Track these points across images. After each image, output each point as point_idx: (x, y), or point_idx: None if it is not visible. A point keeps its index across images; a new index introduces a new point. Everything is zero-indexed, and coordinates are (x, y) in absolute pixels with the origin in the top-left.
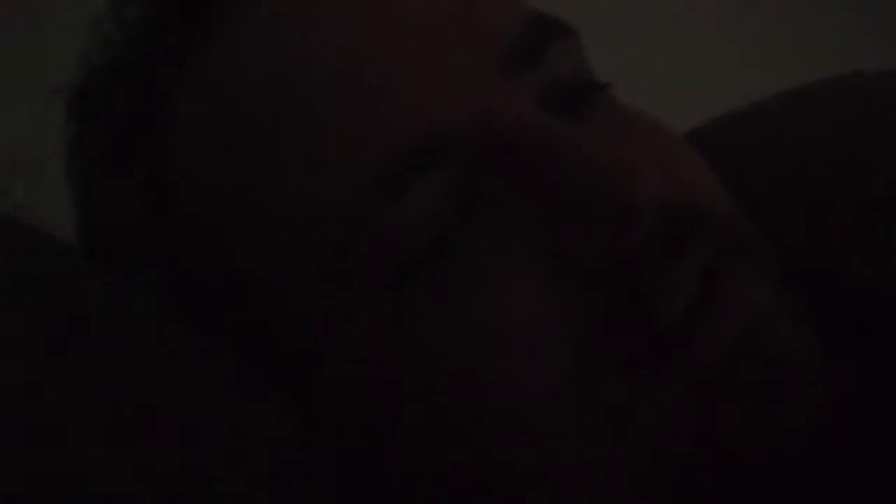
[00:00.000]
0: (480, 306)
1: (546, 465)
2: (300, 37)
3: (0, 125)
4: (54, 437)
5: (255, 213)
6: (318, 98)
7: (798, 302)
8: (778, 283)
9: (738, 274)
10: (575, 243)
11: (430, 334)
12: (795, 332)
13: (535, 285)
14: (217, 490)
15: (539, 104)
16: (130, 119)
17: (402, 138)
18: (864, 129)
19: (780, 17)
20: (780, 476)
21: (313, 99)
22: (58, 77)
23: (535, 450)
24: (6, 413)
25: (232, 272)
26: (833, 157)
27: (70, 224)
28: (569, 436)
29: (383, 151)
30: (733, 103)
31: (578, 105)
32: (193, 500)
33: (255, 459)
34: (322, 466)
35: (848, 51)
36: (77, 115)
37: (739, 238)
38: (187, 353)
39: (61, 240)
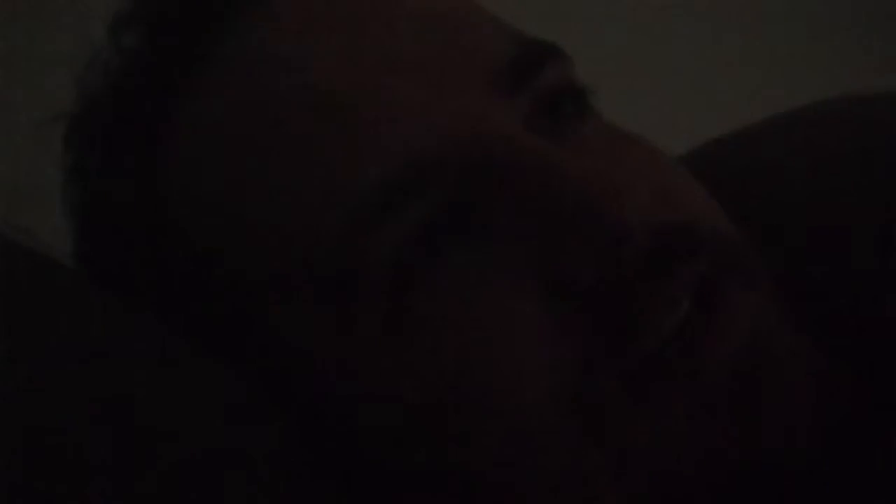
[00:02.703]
0: (475, 327)
1: (542, 481)
2: (294, 65)
3: (0, 150)
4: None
5: (253, 234)
6: (313, 120)
7: (795, 315)
8: (773, 297)
9: (732, 289)
10: (566, 264)
11: (425, 352)
12: (792, 345)
13: (529, 304)
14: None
15: (529, 126)
16: (126, 146)
17: (396, 158)
18: (863, 153)
19: (780, 27)
20: (778, 489)
21: (307, 124)
22: (59, 103)
23: (532, 465)
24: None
25: (231, 292)
26: (831, 181)
27: (69, 247)
28: (565, 452)
29: (377, 171)
30: (734, 113)
31: (568, 126)
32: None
33: (258, 472)
34: (323, 475)
35: (849, 65)
36: (74, 142)
37: (733, 253)
38: (187, 369)
39: (62, 263)
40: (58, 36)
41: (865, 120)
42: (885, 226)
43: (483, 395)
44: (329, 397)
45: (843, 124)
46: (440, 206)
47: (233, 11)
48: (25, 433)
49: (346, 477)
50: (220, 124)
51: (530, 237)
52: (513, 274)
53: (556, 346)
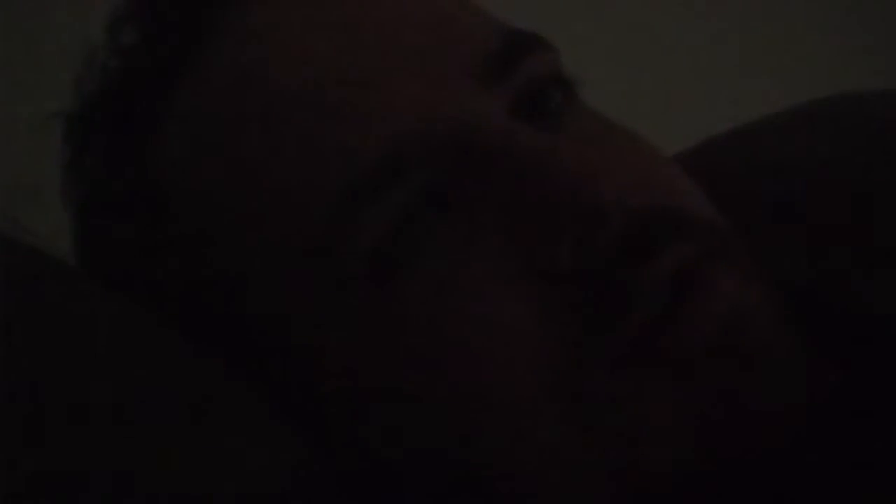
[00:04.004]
0: (459, 309)
1: (532, 467)
2: (283, 53)
3: (0, 148)
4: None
5: (244, 225)
6: (300, 108)
7: (781, 304)
8: (757, 284)
9: (714, 274)
10: (546, 246)
11: (410, 336)
12: (775, 330)
13: (512, 289)
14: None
15: (512, 115)
16: (122, 143)
17: (378, 145)
18: (862, 151)
19: (780, 28)
20: (759, 471)
21: (295, 110)
22: (57, 101)
23: (521, 451)
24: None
25: (223, 282)
26: (833, 175)
27: (69, 244)
28: (550, 433)
29: (361, 159)
30: (731, 112)
31: (552, 115)
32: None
33: (254, 465)
34: (317, 467)
35: (848, 63)
36: (72, 139)
37: (716, 239)
38: (184, 362)
39: (60, 260)
40: (58, 35)
41: (865, 118)
42: (886, 223)
43: (469, 381)
44: (323, 387)
45: (842, 122)
46: (420, 192)
47: (226, 10)
48: (24, 432)
49: (344, 470)
50: (211, 119)
51: (510, 220)
52: (493, 259)
53: (538, 330)
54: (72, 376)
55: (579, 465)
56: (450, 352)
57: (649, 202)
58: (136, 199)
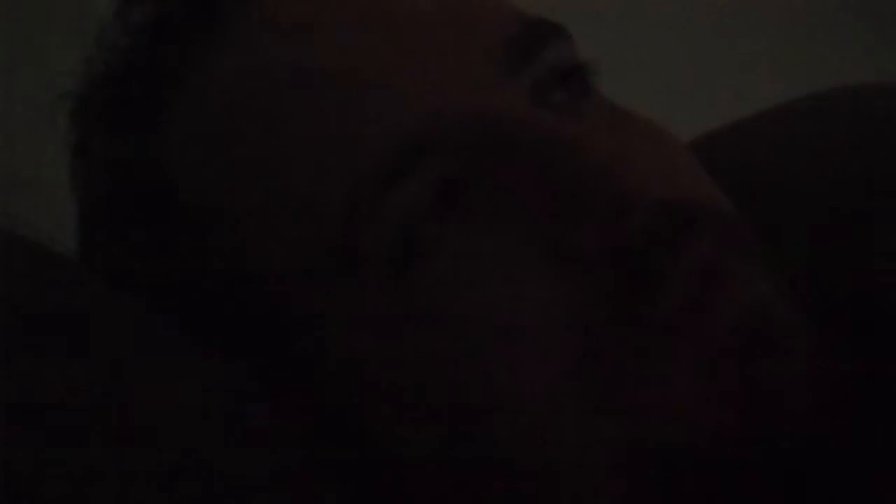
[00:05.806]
0: (480, 296)
1: (549, 453)
2: (299, 37)
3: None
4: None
5: (255, 212)
6: (316, 94)
7: (795, 298)
8: (774, 278)
9: (735, 266)
10: (571, 234)
11: (432, 325)
12: (793, 321)
13: (535, 275)
14: (218, 488)
15: (532, 102)
16: (132, 123)
17: (399, 132)
18: (862, 143)
19: (779, 24)
20: (776, 465)
21: (311, 96)
22: (56, 94)
23: (538, 437)
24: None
25: (233, 273)
26: (832, 168)
27: (69, 239)
28: (571, 418)
29: (380, 146)
30: (731, 109)
31: (571, 103)
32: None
33: (257, 457)
34: (324, 461)
35: (846, 58)
36: (80, 120)
37: (735, 233)
38: (188, 357)
39: (60, 254)
40: (56, 28)
41: (864, 111)
42: (886, 217)
43: (489, 368)
44: (334, 384)
45: (841, 116)
46: (441, 178)
47: None
48: (24, 428)
49: (354, 462)
50: (224, 99)
51: (535, 208)
52: (514, 244)
53: (561, 315)
54: (71, 375)
55: (599, 448)
56: (470, 338)
57: (670, 192)
58: (143, 188)
